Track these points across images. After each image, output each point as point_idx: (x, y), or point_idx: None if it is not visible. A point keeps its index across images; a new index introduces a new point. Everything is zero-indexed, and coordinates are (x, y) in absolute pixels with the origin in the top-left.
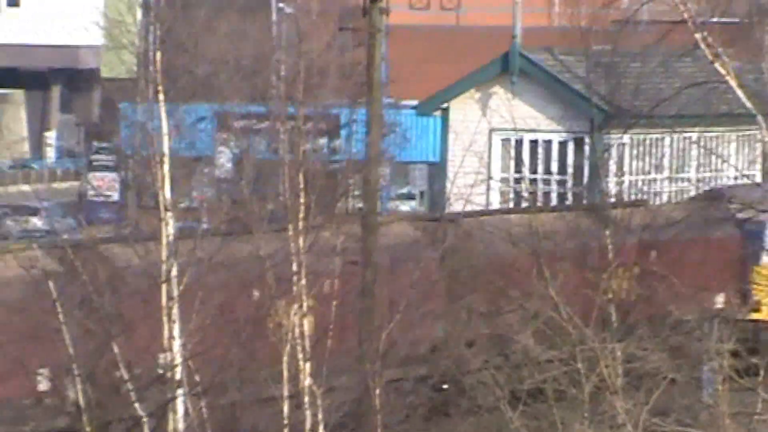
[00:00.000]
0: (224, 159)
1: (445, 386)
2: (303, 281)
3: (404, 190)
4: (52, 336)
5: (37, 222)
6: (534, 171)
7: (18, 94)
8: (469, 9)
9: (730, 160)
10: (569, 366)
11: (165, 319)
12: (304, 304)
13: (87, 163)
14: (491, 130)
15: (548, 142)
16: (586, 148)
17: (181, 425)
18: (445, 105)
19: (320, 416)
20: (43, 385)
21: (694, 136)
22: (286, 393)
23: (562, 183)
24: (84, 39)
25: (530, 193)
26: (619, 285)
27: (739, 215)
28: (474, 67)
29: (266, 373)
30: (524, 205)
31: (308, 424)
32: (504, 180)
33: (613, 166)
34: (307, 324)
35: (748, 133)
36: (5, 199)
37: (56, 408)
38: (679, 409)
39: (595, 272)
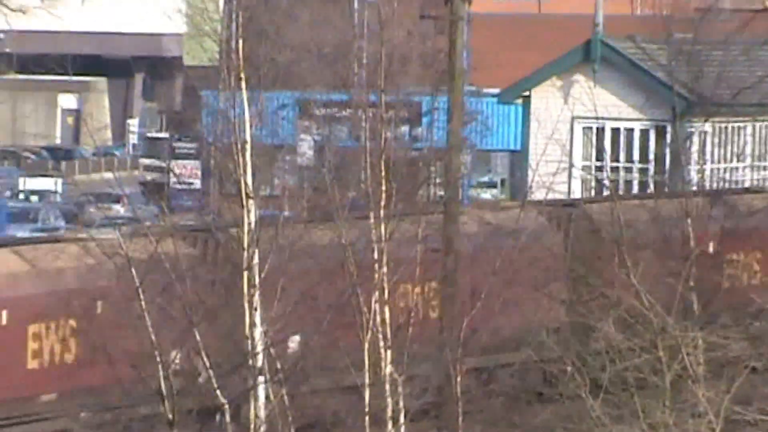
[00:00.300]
0: (306, 146)
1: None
2: (384, 269)
3: (485, 178)
4: (134, 323)
5: (119, 209)
6: (615, 159)
7: (101, 82)
8: None
9: None
10: (651, 354)
11: (246, 306)
12: (386, 292)
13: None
14: (573, 118)
15: (630, 131)
16: (668, 136)
17: (261, 413)
18: (526, 93)
19: (401, 404)
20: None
21: None
22: (367, 381)
23: (643, 171)
24: (167, 27)
25: (611, 181)
26: (701, 273)
27: None
28: (555, 55)
29: (347, 360)
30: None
31: (389, 412)
32: (586, 168)
33: (694, 155)
34: (388, 311)
35: None
36: (88, 187)
37: (138, 395)
38: (761, 398)
39: (677, 260)
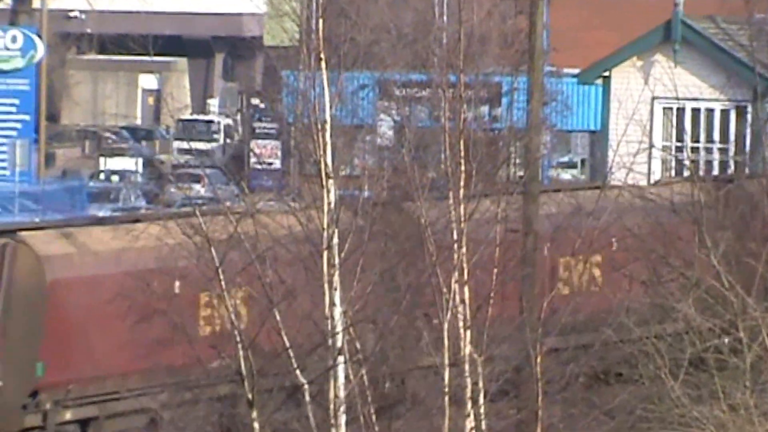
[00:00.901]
0: (385, 127)
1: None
2: (464, 249)
3: (565, 158)
4: (213, 303)
5: (200, 189)
6: (696, 140)
7: (181, 62)
8: None
9: None
10: (731, 335)
11: (326, 286)
12: (465, 272)
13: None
14: (653, 99)
15: (710, 111)
16: (749, 117)
17: (341, 392)
18: (606, 73)
19: (481, 384)
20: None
21: None
22: (446, 361)
23: (723, 152)
24: (247, 7)
25: (692, 161)
26: None
27: None
28: (635, 35)
29: (427, 340)
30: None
31: (468, 392)
32: (666, 148)
33: None
34: (468, 292)
35: None
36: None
37: (218, 375)
38: None
39: (757, 241)
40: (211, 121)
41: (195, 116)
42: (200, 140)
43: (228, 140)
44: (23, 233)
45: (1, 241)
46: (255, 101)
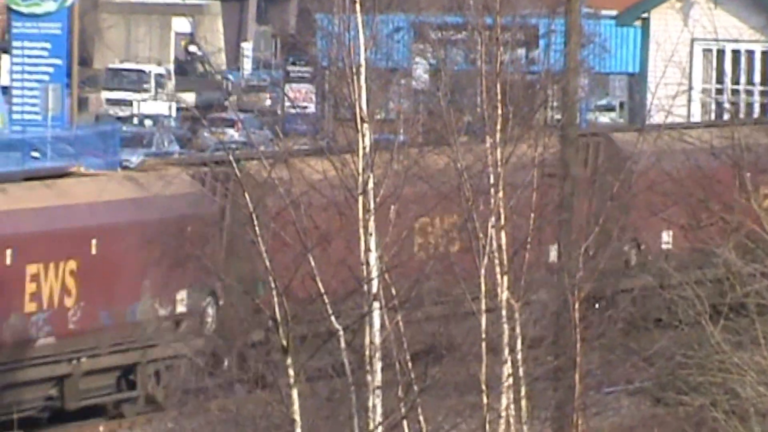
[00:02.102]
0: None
1: None
2: (500, 194)
3: (603, 102)
4: (247, 249)
5: (233, 134)
6: (736, 82)
7: (215, 6)
8: None
9: None
10: None
11: (361, 231)
12: (502, 217)
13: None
14: (693, 40)
15: (750, 53)
16: None
17: (377, 339)
18: (645, 15)
19: (518, 330)
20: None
21: None
22: (483, 307)
23: (764, 93)
24: None
25: (732, 104)
26: None
27: None
28: None
29: (463, 286)
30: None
31: (505, 339)
32: (705, 91)
33: None
34: (504, 237)
35: None
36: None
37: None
38: None
39: None
40: (141, 71)
41: (125, 65)
42: (131, 90)
43: (160, 90)
44: None
45: None
46: (192, 48)
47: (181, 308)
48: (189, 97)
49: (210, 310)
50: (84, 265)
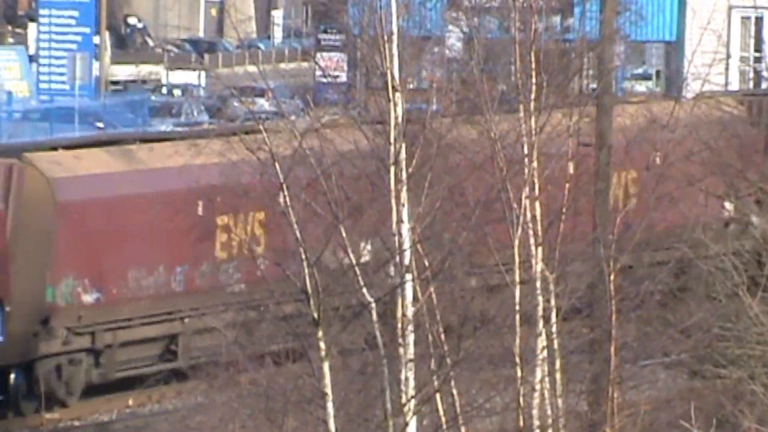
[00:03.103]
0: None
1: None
2: (534, 163)
3: (639, 70)
4: (278, 220)
5: (263, 103)
6: None
7: None
8: None
9: None
10: None
11: (393, 202)
12: (536, 187)
13: (314, 43)
14: (730, 7)
15: None
16: None
17: (409, 311)
18: None
19: (553, 302)
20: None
21: None
22: (517, 279)
23: None
24: None
25: None
26: None
27: None
28: None
29: (497, 258)
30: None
31: (540, 311)
32: (743, 59)
33: None
34: (539, 207)
35: None
36: (232, 80)
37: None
38: None
39: None
40: None
41: None
42: None
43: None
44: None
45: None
46: (132, 21)
47: None
48: (127, 70)
49: None
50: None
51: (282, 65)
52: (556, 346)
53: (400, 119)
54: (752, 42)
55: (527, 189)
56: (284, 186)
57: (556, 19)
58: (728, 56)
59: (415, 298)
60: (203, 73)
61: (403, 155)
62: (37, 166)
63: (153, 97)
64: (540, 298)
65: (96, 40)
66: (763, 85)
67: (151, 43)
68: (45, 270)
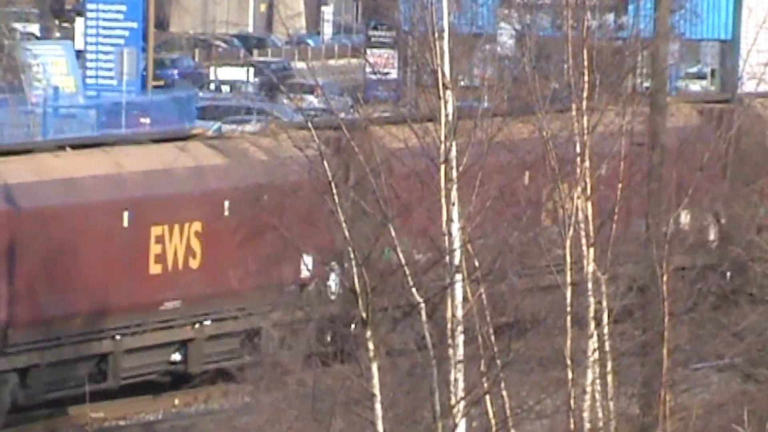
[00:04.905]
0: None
1: None
2: (587, 163)
3: (694, 69)
4: (326, 219)
5: (313, 100)
6: None
7: None
8: None
9: None
10: None
11: (443, 201)
12: (588, 187)
13: (365, 40)
14: None
15: None
16: None
17: (459, 312)
18: None
19: (604, 304)
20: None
21: None
22: (568, 280)
23: None
24: None
25: None
26: None
27: None
28: None
29: (548, 258)
30: None
31: (591, 312)
32: None
33: None
34: (591, 207)
35: None
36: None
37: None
38: None
39: None
40: None
41: None
42: None
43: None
44: None
45: None
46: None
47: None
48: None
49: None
50: None
51: (331, 62)
52: (607, 348)
53: (450, 117)
54: None
55: (579, 189)
56: (332, 184)
57: (610, 16)
58: None
59: (465, 299)
60: (251, 69)
61: (453, 153)
62: None
63: (201, 94)
64: (591, 300)
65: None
66: None
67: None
68: None
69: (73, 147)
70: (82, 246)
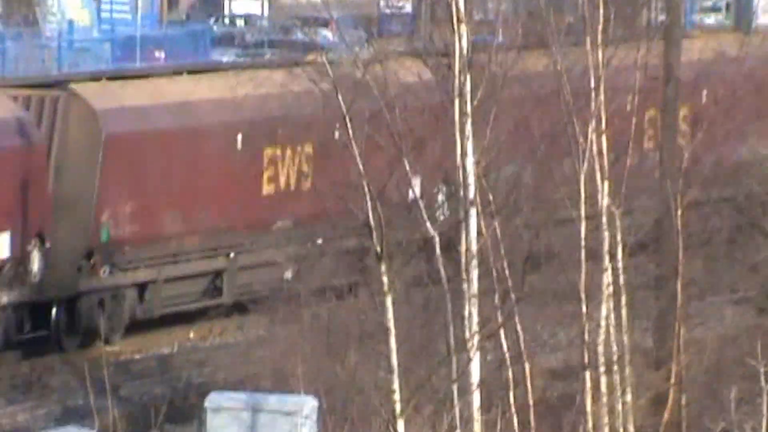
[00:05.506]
0: None
1: None
2: (601, 97)
3: (709, 2)
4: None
5: (327, 34)
6: None
7: None
8: None
9: None
10: None
11: (457, 135)
12: (603, 121)
13: None
14: None
15: None
16: None
17: (473, 245)
18: None
19: (619, 238)
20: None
21: None
22: (583, 213)
23: None
24: None
25: None
26: None
27: None
28: None
29: (562, 192)
30: None
31: (606, 246)
32: None
33: None
34: (605, 142)
35: None
36: (295, 11)
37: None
38: None
39: None
40: None
41: None
42: None
43: None
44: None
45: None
46: None
47: None
48: None
49: None
50: None
51: None
52: (621, 282)
53: (465, 51)
54: None
55: (594, 123)
56: (347, 118)
57: None
58: None
59: (480, 233)
60: (266, 3)
61: (467, 88)
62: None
63: (215, 27)
64: (606, 234)
65: None
66: None
67: None
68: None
69: (189, 72)
70: (198, 167)
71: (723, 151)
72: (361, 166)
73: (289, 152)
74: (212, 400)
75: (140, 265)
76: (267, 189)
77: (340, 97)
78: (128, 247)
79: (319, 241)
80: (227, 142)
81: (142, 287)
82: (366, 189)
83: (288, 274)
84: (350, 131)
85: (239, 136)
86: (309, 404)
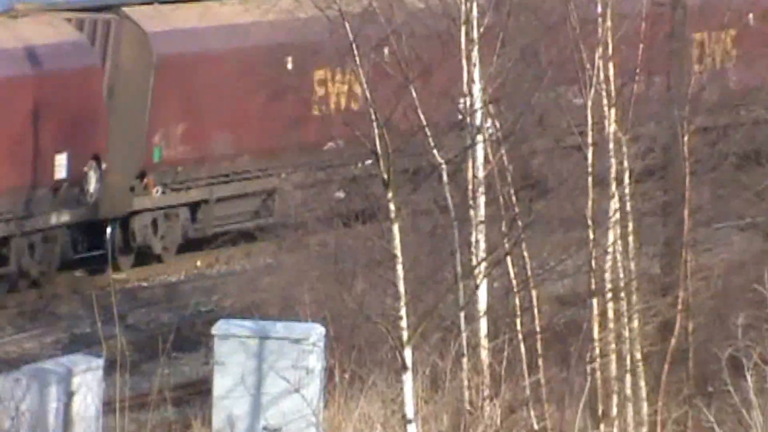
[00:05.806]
0: None
1: None
2: (609, 23)
3: None
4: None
5: None
6: None
7: None
8: None
9: None
10: None
11: (464, 62)
12: (610, 47)
13: None
14: None
15: None
16: None
17: (480, 173)
18: None
19: (626, 164)
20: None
21: None
22: (590, 140)
23: None
24: None
25: None
26: None
27: None
28: None
29: (569, 119)
30: None
31: (613, 172)
32: None
33: None
34: (612, 68)
35: None
36: None
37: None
38: None
39: None
40: None
41: None
42: None
43: None
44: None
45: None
46: None
47: None
48: None
49: None
50: None
51: None
52: (628, 208)
53: None
54: None
55: (600, 49)
56: (354, 45)
57: None
58: None
59: (487, 160)
60: None
61: (474, 14)
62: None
63: None
64: (613, 160)
65: None
66: None
67: None
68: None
69: None
70: (249, 88)
71: (731, 77)
72: (368, 93)
73: (339, 75)
74: (220, 327)
75: (192, 185)
76: (317, 110)
77: (347, 25)
78: (180, 167)
79: (369, 162)
80: (277, 64)
81: (194, 207)
82: (373, 116)
83: (340, 194)
84: (356, 58)
85: (289, 58)
86: (316, 331)
